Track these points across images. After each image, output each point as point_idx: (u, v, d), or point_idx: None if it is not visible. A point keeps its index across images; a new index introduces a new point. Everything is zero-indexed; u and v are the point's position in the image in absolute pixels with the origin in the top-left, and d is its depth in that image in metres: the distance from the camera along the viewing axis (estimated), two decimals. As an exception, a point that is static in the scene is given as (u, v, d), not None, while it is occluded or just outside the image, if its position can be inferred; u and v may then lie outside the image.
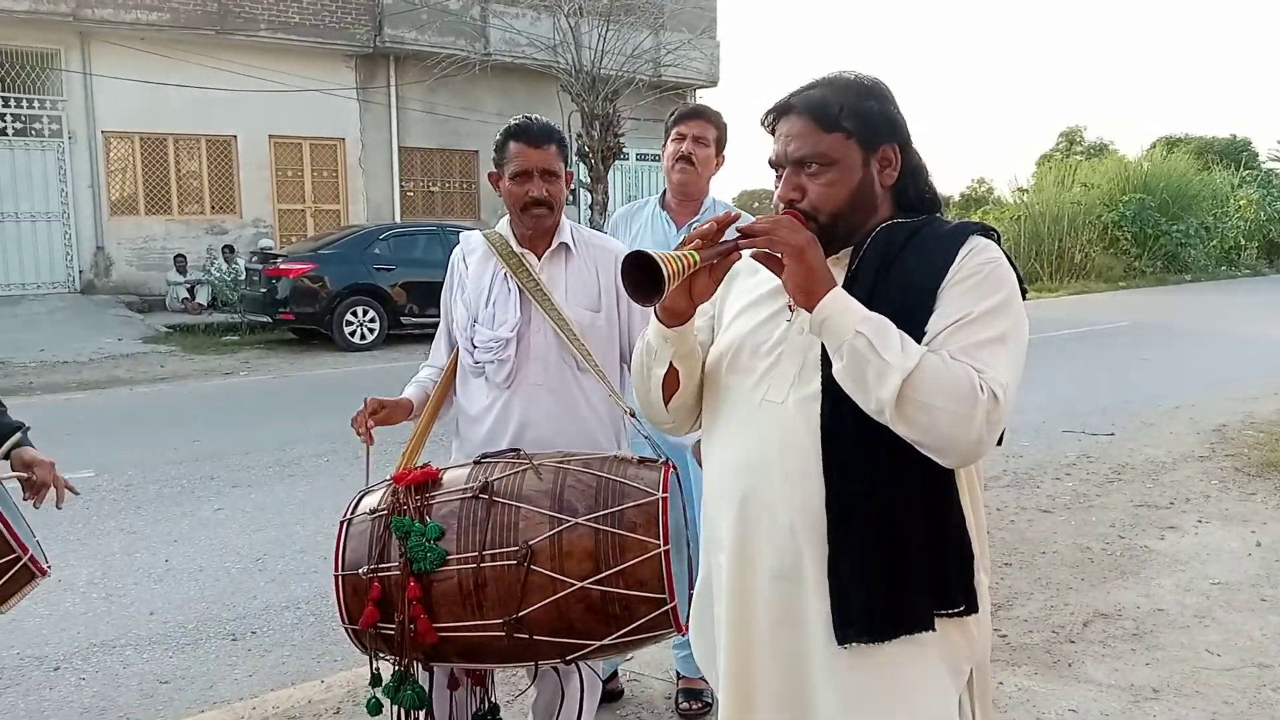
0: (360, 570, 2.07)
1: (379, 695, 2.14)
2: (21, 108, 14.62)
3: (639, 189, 20.61)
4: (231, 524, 5.36)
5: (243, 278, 13.84)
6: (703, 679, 2.95)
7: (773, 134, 1.63)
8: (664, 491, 2.04)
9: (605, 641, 2.05)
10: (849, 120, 1.55)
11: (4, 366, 10.63)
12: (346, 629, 2.12)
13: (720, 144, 3.11)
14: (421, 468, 2.20)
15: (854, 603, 1.49)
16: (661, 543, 1.98)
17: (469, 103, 17.59)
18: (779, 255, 1.48)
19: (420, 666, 2.15)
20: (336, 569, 2.10)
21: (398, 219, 17.38)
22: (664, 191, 3.21)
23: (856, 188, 1.57)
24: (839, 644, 1.50)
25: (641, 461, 2.16)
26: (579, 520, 2.02)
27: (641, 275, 1.42)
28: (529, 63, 16.91)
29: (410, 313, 12.89)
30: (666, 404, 1.71)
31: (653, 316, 1.62)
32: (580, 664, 2.21)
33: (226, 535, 5.17)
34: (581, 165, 15.42)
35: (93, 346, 12.08)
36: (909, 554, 1.50)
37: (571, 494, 2.06)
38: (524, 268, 2.41)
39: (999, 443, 1.50)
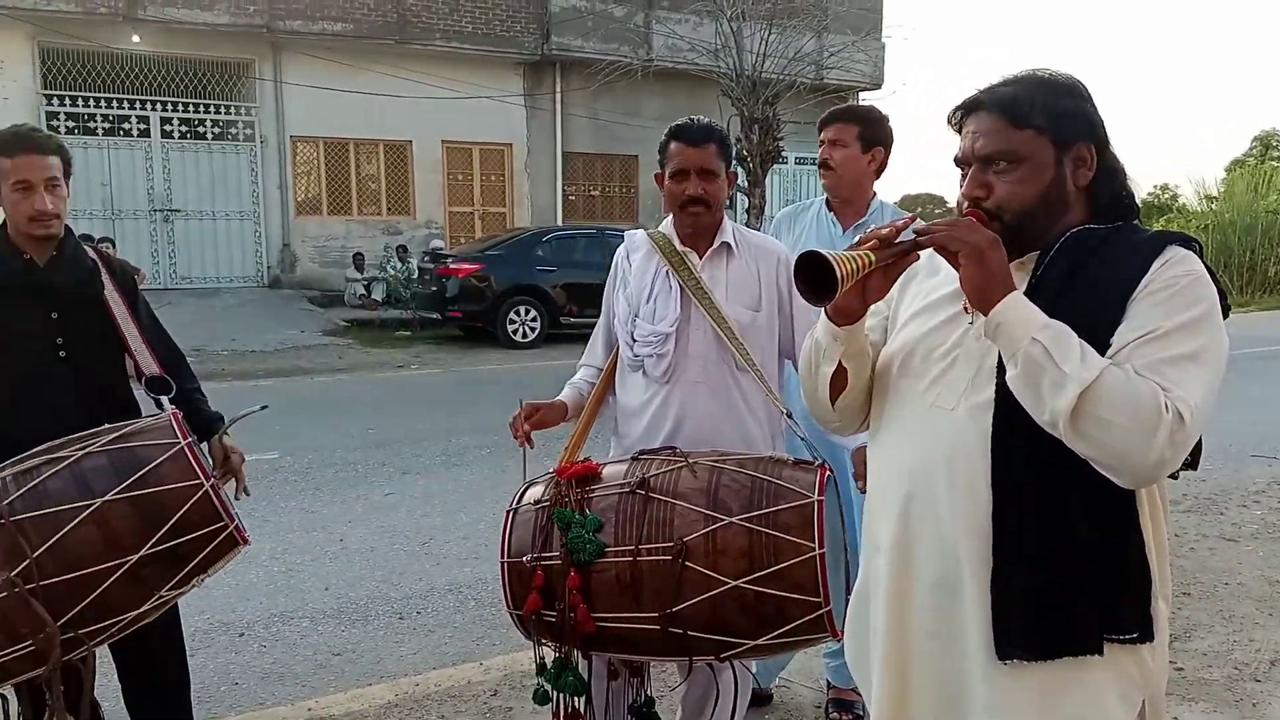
0: (524, 558, 2.16)
1: (544, 684, 2.22)
2: (220, 114, 15.78)
3: (797, 193, 20.41)
4: (401, 508, 5.65)
5: (415, 276, 14.50)
6: (854, 690, 2.91)
7: (959, 132, 1.59)
8: (819, 494, 2.04)
9: (759, 642, 2.06)
10: (1041, 117, 1.50)
11: (200, 353, 11.49)
12: (511, 614, 2.21)
13: (869, 140, 3.00)
14: (583, 462, 2.27)
15: (1016, 618, 1.46)
16: (817, 546, 1.98)
17: (630, 108, 17.85)
18: (956, 253, 1.44)
19: (580, 654, 2.20)
20: (502, 556, 2.20)
21: (559, 222, 17.79)
22: None
23: (1047, 187, 1.52)
24: (999, 659, 1.47)
25: (797, 463, 2.17)
26: (733, 519, 2.04)
27: (814, 275, 1.42)
28: (690, 68, 17.00)
29: (569, 313, 13.22)
30: (833, 403, 1.69)
31: (823, 314, 1.62)
32: (732, 662, 2.23)
33: (396, 519, 5.45)
34: (739, 169, 15.39)
35: (279, 337, 12.91)
36: (1079, 573, 1.45)
37: (726, 493, 2.09)
38: (685, 266, 2.45)
39: (1194, 465, 1.42)
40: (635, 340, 2.47)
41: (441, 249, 15.14)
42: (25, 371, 2.43)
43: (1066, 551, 1.45)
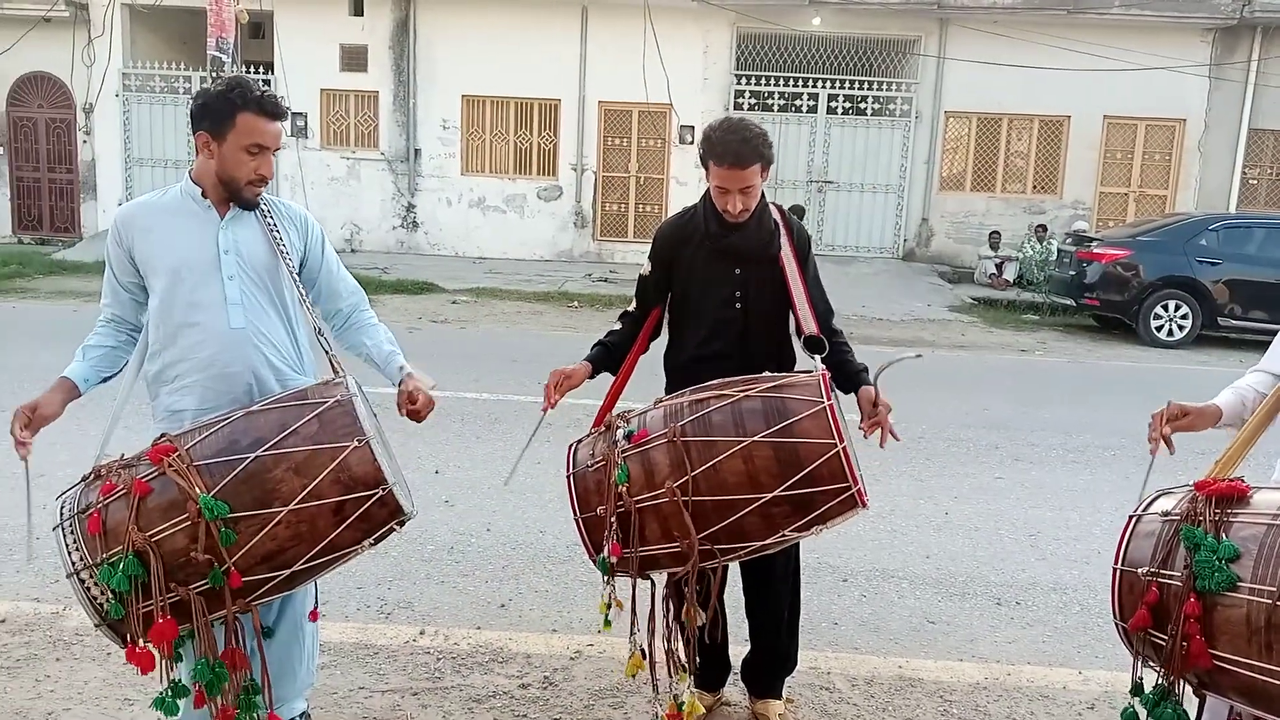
0: (1140, 570, 2.04)
1: (1136, 706, 2.10)
2: (881, 90, 16.50)
3: None
4: (1009, 495, 5.57)
5: (1052, 258, 13.86)
6: None
7: None
8: None
9: None
10: None
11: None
12: (1117, 624, 2.11)
13: None
14: (1230, 481, 2.05)
15: None
16: None
17: (1354, 75, 14.85)
18: None
19: (1192, 691, 2.04)
20: (1117, 561, 2.10)
21: (1233, 208, 15.62)
22: None
23: None
24: None
25: None
26: None
27: None
28: None
29: (1230, 314, 11.68)
30: None
31: None
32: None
33: (1003, 505, 5.39)
34: None
35: (904, 309, 13.32)
36: None
37: None
38: None
39: None
40: None
41: (1085, 231, 14.22)
42: (710, 315, 2.91)
43: None
